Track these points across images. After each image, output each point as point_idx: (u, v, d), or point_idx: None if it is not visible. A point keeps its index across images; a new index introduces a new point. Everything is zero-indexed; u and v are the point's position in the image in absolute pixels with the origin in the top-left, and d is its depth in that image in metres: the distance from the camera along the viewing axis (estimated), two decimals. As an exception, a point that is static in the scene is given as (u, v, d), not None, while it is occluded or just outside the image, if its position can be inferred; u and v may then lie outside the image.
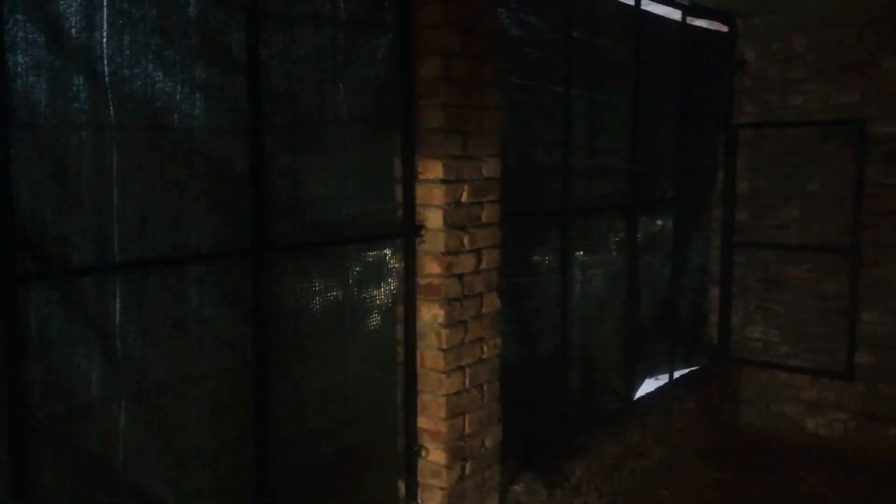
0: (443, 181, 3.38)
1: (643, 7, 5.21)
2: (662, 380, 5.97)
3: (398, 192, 3.45)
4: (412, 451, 3.54)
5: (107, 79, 2.50)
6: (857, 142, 5.83)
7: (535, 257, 4.48)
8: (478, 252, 3.58)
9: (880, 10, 5.69)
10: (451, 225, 3.43)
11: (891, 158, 5.76)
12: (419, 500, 3.56)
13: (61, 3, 2.41)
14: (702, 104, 6.10)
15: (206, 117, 2.79)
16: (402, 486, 3.56)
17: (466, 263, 3.52)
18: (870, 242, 5.88)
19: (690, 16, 5.79)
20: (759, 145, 6.30)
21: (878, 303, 5.89)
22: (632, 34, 5.10)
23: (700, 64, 5.99)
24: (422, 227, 3.44)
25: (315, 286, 3.20)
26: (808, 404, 6.21)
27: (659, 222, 5.77)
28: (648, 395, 5.66)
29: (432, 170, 3.40)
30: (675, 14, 5.63)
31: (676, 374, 6.05)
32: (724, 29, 6.22)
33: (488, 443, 3.69)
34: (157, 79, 2.63)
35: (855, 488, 5.21)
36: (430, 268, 3.44)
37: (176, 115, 2.69)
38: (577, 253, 4.84)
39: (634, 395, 5.54)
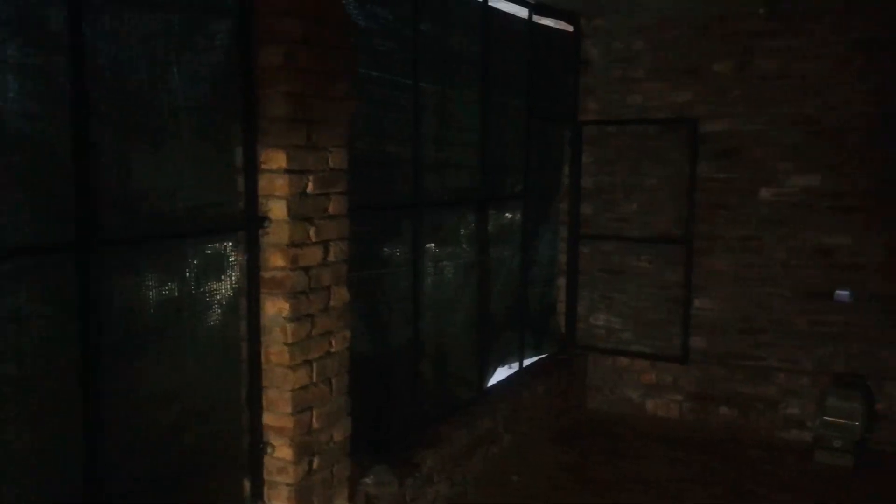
0: (286, 171, 3.32)
1: (491, 4, 5.33)
2: (514, 368, 6.15)
3: (240, 182, 3.35)
4: (257, 448, 3.46)
5: None
6: (690, 139, 6.24)
7: (386, 250, 4.50)
8: (325, 244, 3.55)
9: (709, 19, 6.12)
10: (297, 216, 3.38)
11: (720, 155, 6.20)
12: (265, 499, 3.49)
13: None
14: (549, 101, 6.33)
15: (22, 101, 2.60)
16: (247, 484, 3.48)
17: (313, 256, 3.48)
18: (701, 234, 6.31)
19: (537, 14, 5.98)
20: (603, 142, 6.61)
21: (709, 290, 6.34)
22: (480, 30, 5.21)
23: (547, 62, 6.21)
24: (265, 218, 3.37)
25: (149, 282, 3.06)
26: (648, 387, 6.60)
27: (508, 215, 5.94)
28: (500, 383, 5.81)
29: (275, 160, 3.33)
30: (522, 12, 5.80)
31: (527, 362, 6.25)
32: (570, 28, 6.48)
33: (337, 437, 3.67)
34: (-37, 57, 2.42)
35: (690, 465, 5.58)
36: (275, 260, 3.37)
37: (-15, 98, 2.49)
38: (429, 246, 4.89)
39: (486, 383, 5.67)
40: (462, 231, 5.30)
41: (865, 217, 5.82)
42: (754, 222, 6.15)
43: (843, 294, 5.92)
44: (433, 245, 4.95)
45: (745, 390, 6.26)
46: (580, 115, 6.63)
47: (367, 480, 3.97)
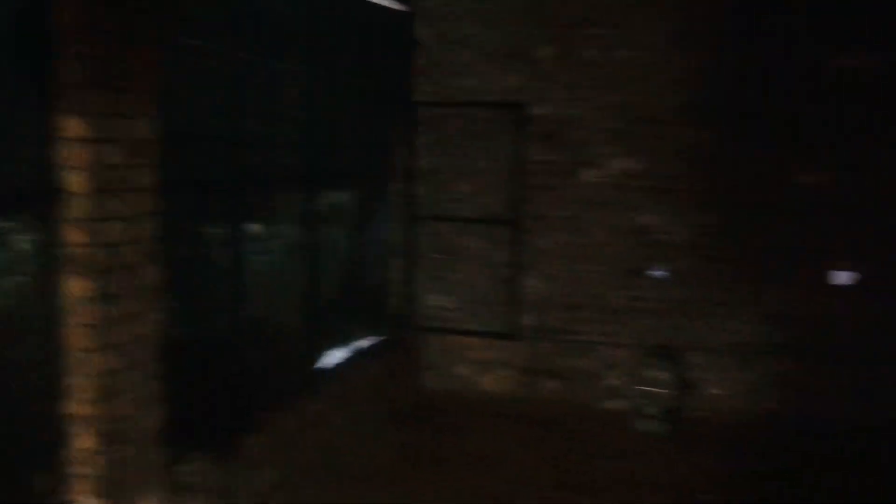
0: (87, 140, 3.08)
1: (320, -23, 5.21)
2: (348, 351, 6.08)
3: (34, 152, 3.08)
4: (59, 439, 3.21)
5: None
6: (518, 123, 6.41)
7: (205, 228, 4.30)
8: (131, 220, 3.33)
9: (533, 2, 6.29)
10: (99, 189, 3.14)
11: (545, 138, 6.42)
12: (69, 491, 3.25)
13: None
14: (384, 81, 6.29)
15: None
16: (48, 477, 3.22)
17: (117, 232, 3.26)
18: (529, 214, 6.51)
19: (369, -8, 5.93)
20: (437, 124, 6.67)
21: (538, 269, 6.57)
22: (308, 2, 5.08)
23: (382, 41, 6.18)
24: (63, 191, 3.11)
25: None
26: (482, 364, 6.75)
27: (341, 195, 5.86)
28: (333, 366, 5.71)
29: (74, 128, 3.08)
30: (353, -11, 5.72)
31: (362, 344, 6.17)
32: (405, 9, 6.47)
33: (148, 424, 3.47)
34: None
35: (520, 438, 5.77)
36: (75, 237, 3.13)
37: None
38: (252, 225, 4.72)
39: (318, 366, 5.57)
40: (290, 210, 5.16)
41: (676, 198, 6.22)
42: (577, 203, 6.41)
43: (658, 270, 6.30)
44: (258, 224, 4.79)
45: (570, 364, 6.55)
46: (415, 96, 6.65)
47: (185, 469, 3.79)
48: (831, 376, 5.99)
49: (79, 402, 3.21)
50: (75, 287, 3.16)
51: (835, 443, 5.66)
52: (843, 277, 5.96)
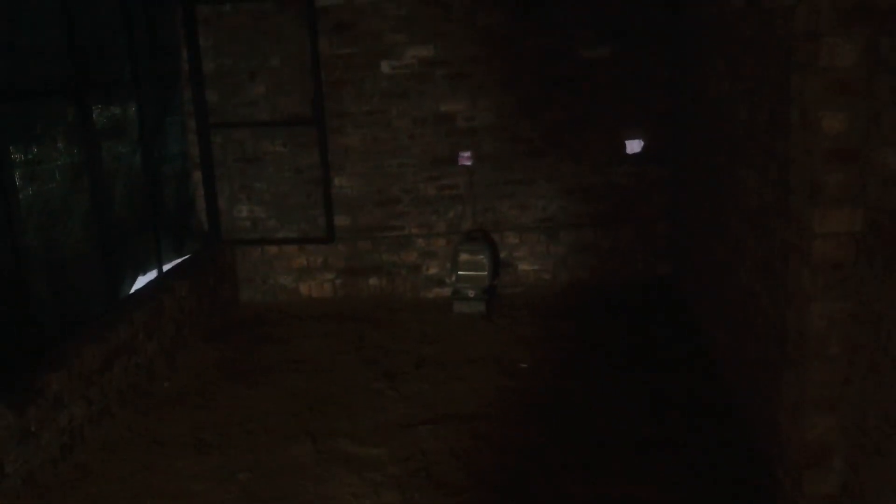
0: None
1: None
2: (155, 274, 5.77)
3: None
4: None
5: None
6: (307, 14, 6.13)
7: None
8: None
9: None
10: None
11: (339, 29, 6.20)
12: None
13: None
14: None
15: None
16: None
17: None
18: (331, 112, 6.35)
19: None
20: (219, 22, 6.24)
21: (345, 168, 6.47)
22: None
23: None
24: None
25: None
26: (299, 271, 6.66)
27: (120, 107, 5.39)
28: (138, 291, 5.43)
29: None
30: None
31: (168, 266, 5.91)
32: None
33: (-82, 375, 3.12)
34: None
35: (343, 336, 5.78)
36: None
37: None
38: (18, 147, 4.25)
39: (120, 293, 5.26)
40: (60, 127, 4.69)
41: (474, 82, 6.28)
42: (378, 96, 6.32)
43: (465, 156, 6.40)
44: (24, 145, 4.31)
45: (390, 259, 6.60)
46: (192, -7, 6.16)
47: (-25, 417, 3.47)
48: (623, 240, 6.45)
49: None
50: None
51: (622, 296, 6.17)
52: (632, 146, 6.34)
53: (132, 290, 5.43)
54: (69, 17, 4.63)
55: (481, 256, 6.21)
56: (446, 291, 6.47)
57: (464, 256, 6.23)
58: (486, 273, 6.21)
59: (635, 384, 4.68)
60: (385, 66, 6.27)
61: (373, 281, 6.65)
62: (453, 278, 6.28)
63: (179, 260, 6.14)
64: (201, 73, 6.29)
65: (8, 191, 4.06)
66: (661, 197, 6.37)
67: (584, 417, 4.33)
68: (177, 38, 6.18)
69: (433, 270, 6.61)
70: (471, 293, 6.20)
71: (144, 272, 5.68)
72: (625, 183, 6.38)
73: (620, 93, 6.24)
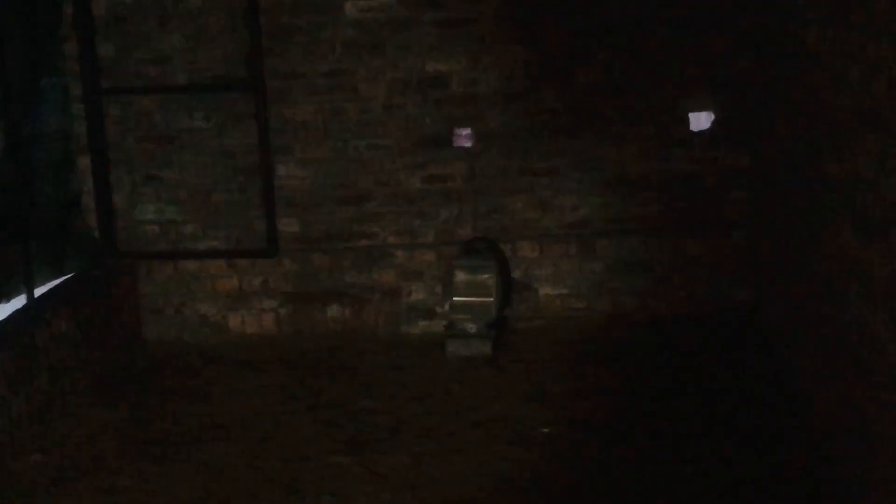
0: None
1: None
2: (22, 300, 5.75)
3: None
4: None
5: None
6: (240, -66, 6.16)
7: None
8: None
9: None
10: None
11: (282, -45, 6.24)
12: None
13: None
14: None
15: None
16: None
17: None
18: (274, 72, 6.35)
19: None
20: (116, -57, 6.28)
21: (294, 151, 6.50)
22: None
23: None
24: None
25: None
26: (228, 297, 6.67)
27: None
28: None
29: None
30: None
31: (42, 289, 5.92)
32: None
33: None
34: None
35: (289, 390, 5.75)
36: None
37: None
38: None
39: (-25, 328, 5.23)
40: None
41: (477, 30, 6.29)
42: (341, 50, 6.34)
43: (462, 135, 6.37)
44: None
45: (357, 280, 6.60)
46: None
47: None
48: (687, 256, 6.44)
49: None
50: None
51: (684, 333, 6.18)
52: (699, 121, 6.32)
53: (-8, 325, 5.37)
54: None
55: (486, 276, 6.20)
56: (437, 325, 6.46)
57: (461, 276, 6.22)
58: (492, 300, 6.20)
59: (704, 462, 4.63)
60: (351, 8, 6.31)
61: (332, 311, 6.63)
62: (447, 307, 6.27)
63: (58, 281, 6.14)
64: (90, 17, 6.31)
65: None
66: (740, 194, 6.37)
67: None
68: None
69: (418, 296, 6.61)
70: (471, 328, 6.18)
71: (8, 298, 5.67)
72: (688, 173, 6.37)
73: (682, 45, 6.24)
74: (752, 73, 6.19)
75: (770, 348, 5.84)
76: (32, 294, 5.74)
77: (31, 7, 5.97)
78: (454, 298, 6.21)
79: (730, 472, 4.51)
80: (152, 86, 6.42)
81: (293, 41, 6.32)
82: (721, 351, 5.94)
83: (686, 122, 6.33)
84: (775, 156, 5.76)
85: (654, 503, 4.30)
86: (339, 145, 6.45)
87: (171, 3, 6.32)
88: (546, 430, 5.06)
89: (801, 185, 5.11)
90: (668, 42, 6.25)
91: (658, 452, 4.74)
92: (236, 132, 6.46)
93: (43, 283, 5.93)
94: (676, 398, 5.34)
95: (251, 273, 6.61)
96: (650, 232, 6.44)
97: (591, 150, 6.38)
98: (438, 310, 6.48)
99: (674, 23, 6.22)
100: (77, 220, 6.48)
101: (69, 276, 6.22)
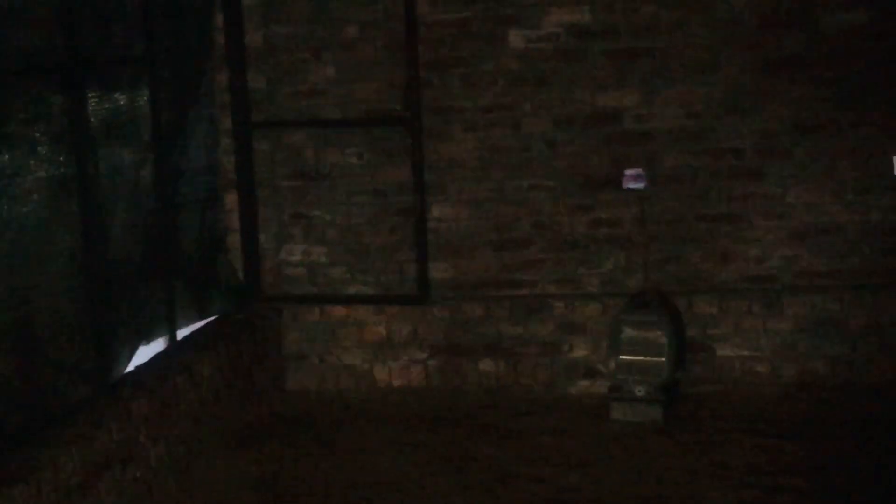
0: None
1: None
2: (164, 342, 5.91)
3: None
4: None
5: None
6: (401, -38, 6.24)
7: None
8: None
9: None
10: None
11: (446, -15, 6.31)
12: None
13: None
14: None
15: None
16: None
17: None
18: (431, 106, 6.40)
19: None
20: (272, -28, 6.46)
21: (449, 190, 6.51)
22: None
23: None
24: None
25: None
26: (375, 346, 6.70)
27: (124, 95, 5.56)
28: (138, 369, 5.56)
29: None
30: None
31: (185, 333, 6.06)
32: None
33: None
34: None
35: (437, 450, 5.71)
36: None
37: None
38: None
39: (115, 372, 5.36)
40: (41, 123, 4.84)
41: (652, 63, 6.23)
42: (503, 83, 6.36)
43: (633, 175, 6.27)
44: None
45: (512, 332, 6.55)
46: (233, -68, 6.40)
47: None
48: (888, 314, 6.18)
49: None
50: None
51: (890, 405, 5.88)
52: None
53: (130, 367, 5.53)
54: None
55: (658, 333, 6.07)
56: (601, 386, 6.33)
57: (629, 332, 6.11)
58: (663, 360, 6.05)
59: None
60: (515, 39, 6.33)
61: (485, 365, 6.60)
62: (612, 366, 6.15)
63: (201, 323, 6.29)
64: (243, 48, 6.50)
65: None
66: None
67: None
68: (210, -4, 6.41)
69: (580, 352, 6.52)
70: (639, 391, 6.03)
71: (149, 340, 5.80)
72: (891, 223, 6.14)
73: (885, 81, 6.04)
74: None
75: None
76: (175, 336, 5.89)
77: (180, 36, 6.16)
78: (620, 357, 6.08)
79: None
80: (304, 119, 6.55)
81: (452, 74, 6.39)
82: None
83: (890, 165, 6.09)
84: None
85: None
86: (497, 185, 6.47)
87: (327, 33, 6.46)
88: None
89: None
90: (869, 75, 6.06)
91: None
92: (389, 169, 6.55)
93: (185, 326, 6.06)
94: (880, 479, 5.07)
95: (400, 320, 6.64)
96: (846, 288, 6.22)
97: (778, 194, 6.24)
98: (602, 369, 6.37)
99: (876, 56, 6.03)
100: (222, 260, 6.62)
101: (212, 318, 6.37)
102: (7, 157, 4.63)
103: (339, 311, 6.69)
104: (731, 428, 5.81)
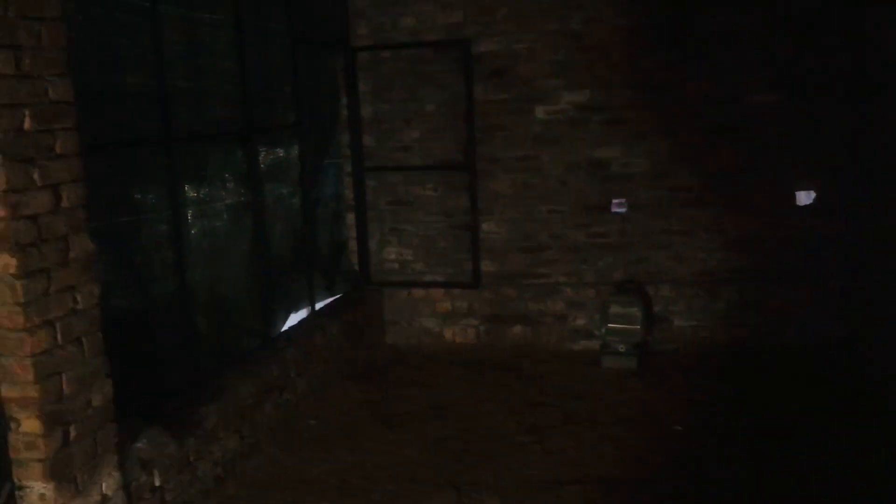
0: (-12, 107, 2.95)
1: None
2: (306, 312, 6.02)
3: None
4: (3, 423, 3.15)
5: None
6: (464, 61, 6.32)
7: (138, 193, 4.19)
8: (55, 188, 3.21)
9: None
10: (14, 157, 3.02)
11: (494, 75, 6.35)
12: (15, 479, 3.19)
13: None
14: (316, 25, 6.14)
15: None
16: (-6, 466, 3.16)
17: (40, 202, 3.14)
18: (482, 157, 6.47)
19: (294, -69, 5.74)
20: (377, 68, 6.55)
21: (494, 213, 6.56)
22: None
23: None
24: (-26, 164, 2.98)
25: None
26: (444, 315, 6.76)
27: (282, 149, 5.75)
28: (290, 329, 5.69)
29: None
30: (276, -72, 5.53)
31: (319, 305, 6.15)
32: (333, -51, 6.29)
33: (96, 402, 3.40)
34: None
35: (487, 385, 5.81)
36: (-7, 211, 3.01)
37: None
38: (190, 186, 4.62)
39: (275, 331, 5.53)
40: (228, 168, 5.05)
41: (631, 128, 6.22)
42: (530, 141, 6.39)
43: (618, 203, 6.32)
44: (195, 185, 4.68)
45: (535, 308, 6.58)
46: (352, 40, 6.50)
47: (140, 445, 3.74)
48: (791, 299, 6.12)
49: (16, 386, 3.13)
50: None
51: (795, 363, 5.84)
52: (802, 198, 6.05)
53: (285, 328, 5.69)
54: (242, 67, 5.00)
55: (634, 309, 6.09)
56: (594, 344, 6.35)
57: (615, 308, 6.13)
58: (638, 327, 6.07)
59: (811, 455, 4.42)
60: (539, 112, 6.33)
61: (517, 330, 6.65)
62: (602, 331, 6.17)
63: (330, 299, 6.39)
64: (359, 118, 6.58)
65: (179, 227, 4.40)
66: (835, 252, 6.02)
67: (755, 490, 4.11)
68: (337, 83, 6.53)
69: (580, 321, 6.52)
70: (621, 348, 6.08)
71: (297, 310, 5.93)
72: (794, 236, 6.09)
73: (790, 143, 6.00)
74: (846, 165, 5.88)
75: (859, 370, 5.51)
76: (314, 308, 6.04)
77: (318, 110, 6.32)
78: (609, 325, 6.12)
79: (826, 462, 4.29)
80: (399, 165, 6.63)
81: (496, 135, 6.42)
82: (818, 372, 5.64)
83: (793, 198, 6.06)
84: (869, 223, 5.47)
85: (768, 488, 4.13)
86: (526, 210, 6.48)
87: (413, 108, 6.54)
88: (679, 428, 4.94)
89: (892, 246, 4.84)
90: (779, 139, 6.01)
91: (764, 447, 4.56)
92: (454, 199, 6.60)
93: (320, 301, 6.17)
94: (782, 408, 5.12)
95: (460, 299, 6.71)
96: (763, 279, 6.18)
97: (717, 217, 6.19)
98: (596, 333, 6.38)
99: (784, 126, 5.99)
100: (344, 257, 6.76)
101: (337, 296, 6.49)
102: (207, 190, 4.87)
103: (419, 292, 6.77)
104: (684, 374, 5.83)
